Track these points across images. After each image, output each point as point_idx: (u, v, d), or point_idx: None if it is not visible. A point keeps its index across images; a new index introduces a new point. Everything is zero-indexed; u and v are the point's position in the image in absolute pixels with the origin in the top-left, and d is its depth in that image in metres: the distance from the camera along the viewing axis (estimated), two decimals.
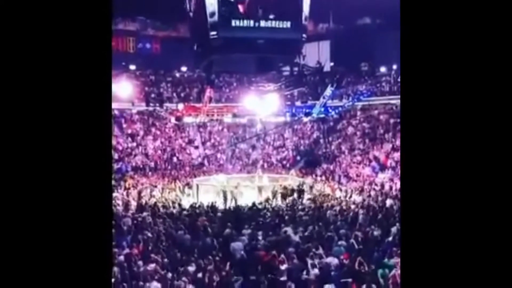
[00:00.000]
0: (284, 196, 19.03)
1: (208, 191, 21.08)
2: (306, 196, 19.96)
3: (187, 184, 22.98)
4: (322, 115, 30.29)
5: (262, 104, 27.13)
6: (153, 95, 30.91)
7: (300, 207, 15.75)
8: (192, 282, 7.32)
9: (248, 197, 19.06)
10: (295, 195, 19.91)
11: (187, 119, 30.11)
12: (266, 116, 30.38)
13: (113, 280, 4.96)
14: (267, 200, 18.69)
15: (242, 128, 33.92)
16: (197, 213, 13.88)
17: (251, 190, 21.64)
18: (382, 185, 19.90)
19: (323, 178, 25.11)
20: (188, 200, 19.54)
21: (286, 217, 13.02)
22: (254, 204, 15.85)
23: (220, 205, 16.68)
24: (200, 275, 7.59)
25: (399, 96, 24.31)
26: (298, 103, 31.02)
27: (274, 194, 19.46)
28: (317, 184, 22.61)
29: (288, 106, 30.54)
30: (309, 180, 23.72)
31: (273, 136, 32.94)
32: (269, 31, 13.27)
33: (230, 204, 18.58)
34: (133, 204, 15.75)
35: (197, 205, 16.07)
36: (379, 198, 16.39)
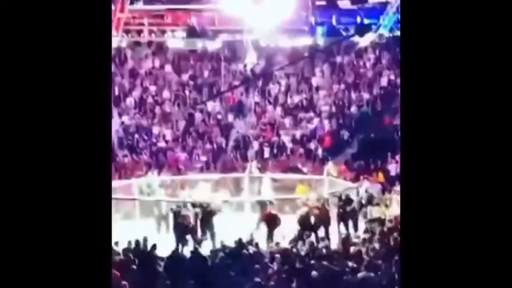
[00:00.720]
0: (309, 226, 19.19)
1: (129, 215, 21.33)
2: (363, 224, 20.06)
3: None
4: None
5: (258, 5, 26.82)
6: None
7: (352, 249, 15.88)
8: None
9: (228, 226, 19.31)
10: (339, 221, 20.26)
11: None
12: (268, 35, 30.19)
13: None
14: (270, 234, 18.97)
15: (210, 63, 34.71)
16: None
17: (235, 211, 22.21)
18: None
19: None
20: None
21: (315, 273, 13.26)
22: (241, 243, 15.96)
23: (160, 247, 16.73)
24: None
25: None
26: (344, 3, 30.84)
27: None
28: (389, 197, 22.71)
29: (321, 10, 30.49)
30: (368, 185, 23.81)
31: (286, 82, 33.77)
32: None
33: (184, 243, 18.65)
34: None
35: None
36: None
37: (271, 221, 19.15)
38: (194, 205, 19.50)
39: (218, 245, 16.46)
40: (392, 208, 21.22)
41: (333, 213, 20.27)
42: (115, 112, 30.52)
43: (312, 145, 29.82)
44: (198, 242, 18.15)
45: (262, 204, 20.56)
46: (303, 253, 15.82)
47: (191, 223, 19.03)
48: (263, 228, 19.26)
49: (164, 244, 17.57)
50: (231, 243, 16.01)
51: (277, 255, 15.27)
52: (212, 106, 32.37)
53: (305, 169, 27.50)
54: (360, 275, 13.17)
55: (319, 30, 30.32)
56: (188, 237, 18.83)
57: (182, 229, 18.92)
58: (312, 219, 19.36)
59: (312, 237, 18.04)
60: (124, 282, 12.55)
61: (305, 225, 19.00)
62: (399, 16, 28.99)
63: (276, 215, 19.45)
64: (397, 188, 24.23)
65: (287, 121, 31.29)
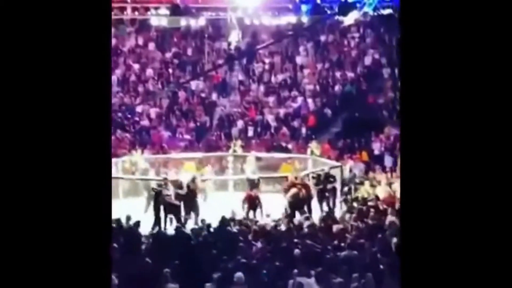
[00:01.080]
0: (294, 204, 19.28)
1: (114, 194, 21.22)
2: (346, 203, 20.16)
3: None
4: (387, 10, 30.18)
5: None
6: None
7: (335, 228, 15.96)
8: None
9: (211, 205, 19.37)
10: (321, 200, 20.36)
11: None
12: (252, 13, 30.12)
13: None
14: (253, 210, 19.08)
15: (194, 41, 34.58)
16: None
17: (217, 190, 22.24)
18: None
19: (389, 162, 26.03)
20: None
21: (297, 251, 13.27)
22: (224, 222, 15.99)
23: (144, 225, 16.73)
24: None
25: None
26: None
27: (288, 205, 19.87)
28: (373, 176, 22.81)
29: None
30: (352, 164, 23.91)
31: (270, 60, 33.56)
32: None
33: (167, 222, 18.68)
34: None
35: None
36: None
37: (252, 203, 19.21)
38: (177, 184, 19.47)
39: (201, 224, 16.47)
40: (375, 187, 21.33)
41: (316, 192, 20.36)
42: None
43: (296, 124, 29.82)
44: (181, 221, 18.18)
45: (251, 182, 20.57)
46: (287, 231, 15.85)
47: (174, 202, 19.01)
48: (246, 208, 19.30)
49: (146, 223, 17.58)
50: (214, 222, 16.06)
51: (261, 234, 15.33)
52: (196, 84, 32.28)
53: (289, 148, 27.53)
54: (343, 253, 13.23)
55: (304, 8, 30.29)
56: (172, 216, 18.86)
57: (164, 208, 18.92)
58: (300, 199, 19.42)
59: (299, 216, 18.12)
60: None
61: (296, 206, 19.07)
62: None
63: (257, 197, 19.43)
64: (382, 167, 24.37)
65: (271, 99, 31.25)
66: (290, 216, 18.10)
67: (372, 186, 21.46)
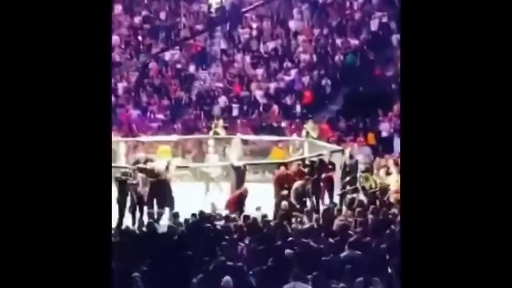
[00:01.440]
0: (299, 197, 19.22)
1: None
2: (347, 195, 20.19)
3: None
4: None
5: None
6: None
7: (336, 224, 15.84)
8: None
9: (189, 197, 19.46)
10: (320, 191, 20.45)
11: None
12: None
13: None
14: (237, 204, 19.04)
15: (168, 2, 34.61)
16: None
17: (195, 179, 22.36)
18: None
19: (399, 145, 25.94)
20: None
21: (291, 252, 13.33)
22: (202, 216, 16.04)
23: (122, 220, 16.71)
24: None
25: None
26: None
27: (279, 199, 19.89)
28: (379, 161, 22.87)
29: None
30: (355, 149, 23.95)
31: (257, 25, 33.70)
32: None
33: (135, 217, 18.70)
34: None
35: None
36: None
37: (239, 204, 19.16)
38: (148, 172, 19.40)
39: (177, 219, 16.45)
40: (383, 175, 21.31)
41: (311, 183, 20.31)
42: None
43: (289, 101, 29.83)
44: (152, 216, 18.15)
45: (237, 170, 20.49)
46: (280, 228, 15.86)
47: (142, 193, 18.93)
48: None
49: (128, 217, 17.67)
50: (193, 217, 16.06)
51: (249, 231, 15.34)
52: (171, 54, 32.22)
53: (281, 130, 27.55)
54: (344, 254, 13.24)
55: None
56: (140, 210, 18.81)
57: (131, 201, 18.85)
58: (306, 192, 19.40)
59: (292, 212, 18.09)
60: None
61: (301, 199, 19.03)
62: None
63: (245, 195, 19.37)
64: (392, 153, 24.41)
65: (260, 72, 31.24)
66: (297, 210, 18.02)
67: (380, 174, 21.46)
